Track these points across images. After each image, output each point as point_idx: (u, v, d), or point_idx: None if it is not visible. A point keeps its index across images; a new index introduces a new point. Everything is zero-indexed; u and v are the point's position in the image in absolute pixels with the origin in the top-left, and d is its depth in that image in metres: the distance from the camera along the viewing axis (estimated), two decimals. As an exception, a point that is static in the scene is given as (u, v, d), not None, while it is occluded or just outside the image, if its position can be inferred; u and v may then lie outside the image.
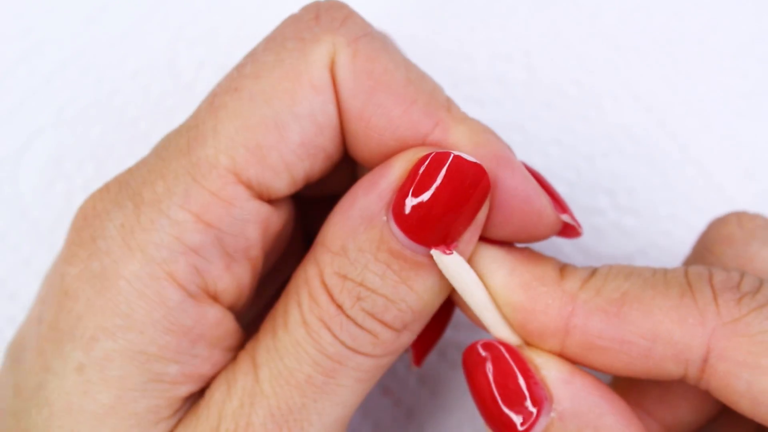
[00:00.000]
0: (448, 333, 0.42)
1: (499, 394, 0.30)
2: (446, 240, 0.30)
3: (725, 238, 0.33)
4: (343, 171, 0.35)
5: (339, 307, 0.30)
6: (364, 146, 0.31)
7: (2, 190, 0.43)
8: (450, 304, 0.34)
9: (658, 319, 0.29)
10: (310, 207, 0.38)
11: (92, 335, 0.30)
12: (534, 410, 0.29)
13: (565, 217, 0.32)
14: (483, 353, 0.30)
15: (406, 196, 0.29)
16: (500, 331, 0.31)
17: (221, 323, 0.31)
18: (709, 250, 0.33)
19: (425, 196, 0.29)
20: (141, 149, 0.43)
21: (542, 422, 0.29)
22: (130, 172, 0.31)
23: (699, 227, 0.41)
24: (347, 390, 0.30)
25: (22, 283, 0.42)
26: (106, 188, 0.31)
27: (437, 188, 0.29)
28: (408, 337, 0.31)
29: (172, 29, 0.44)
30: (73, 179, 0.42)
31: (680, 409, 0.33)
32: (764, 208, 0.41)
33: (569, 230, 0.32)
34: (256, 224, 0.31)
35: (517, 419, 0.29)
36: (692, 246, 0.35)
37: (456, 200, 0.29)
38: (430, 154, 0.29)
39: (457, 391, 0.41)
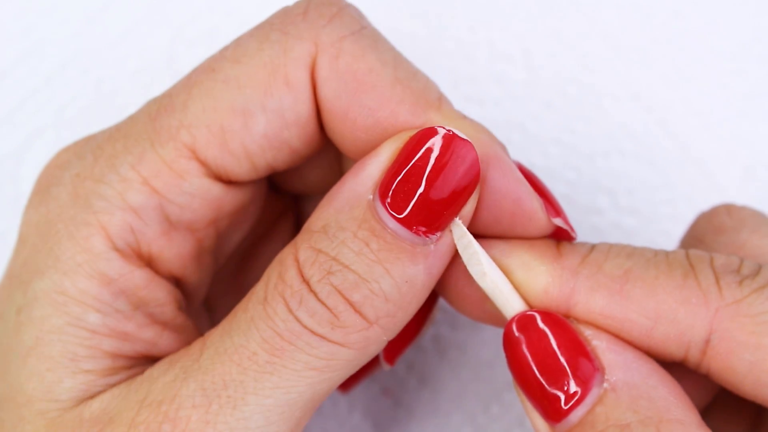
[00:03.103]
0: (448, 332, 0.42)
1: (564, 358, 0.29)
2: (432, 225, 0.29)
3: (716, 227, 0.33)
4: (335, 167, 0.35)
5: (305, 281, 0.29)
6: (350, 143, 0.31)
7: (2, 190, 0.43)
8: (428, 303, 0.34)
9: (661, 298, 0.29)
10: (302, 203, 0.38)
11: (29, 278, 0.30)
12: (578, 389, 0.29)
13: (557, 221, 0.31)
14: (542, 325, 0.29)
15: (395, 174, 0.29)
16: (517, 305, 0.30)
17: (148, 287, 0.31)
18: (700, 240, 0.33)
19: (416, 174, 0.28)
20: (141, 149, 0.43)
21: (594, 393, 0.29)
22: (101, 131, 0.32)
23: (699, 227, 0.41)
24: (294, 374, 0.29)
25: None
26: (75, 143, 0.32)
27: (430, 167, 0.28)
28: (377, 334, 0.29)
29: (172, 29, 0.44)
30: (73, 179, 0.43)
31: (687, 391, 0.33)
32: (764, 208, 0.41)
33: (562, 234, 0.31)
34: (204, 200, 0.31)
35: (570, 389, 0.29)
36: (680, 239, 0.35)
37: (447, 179, 0.29)
38: (423, 131, 0.29)
39: (456, 391, 0.41)
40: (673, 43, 0.43)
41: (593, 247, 0.30)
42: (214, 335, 0.30)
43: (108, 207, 0.30)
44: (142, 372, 0.30)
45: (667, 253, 0.30)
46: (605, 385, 0.29)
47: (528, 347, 0.29)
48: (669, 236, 0.42)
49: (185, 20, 0.44)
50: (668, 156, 0.42)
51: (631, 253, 0.30)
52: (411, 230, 0.29)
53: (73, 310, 0.30)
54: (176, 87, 0.31)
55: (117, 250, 0.30)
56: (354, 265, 0.29)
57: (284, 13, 0.32)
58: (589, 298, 0.29)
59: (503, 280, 0.30)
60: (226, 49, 0.32)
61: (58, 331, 0.30)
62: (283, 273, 0.29)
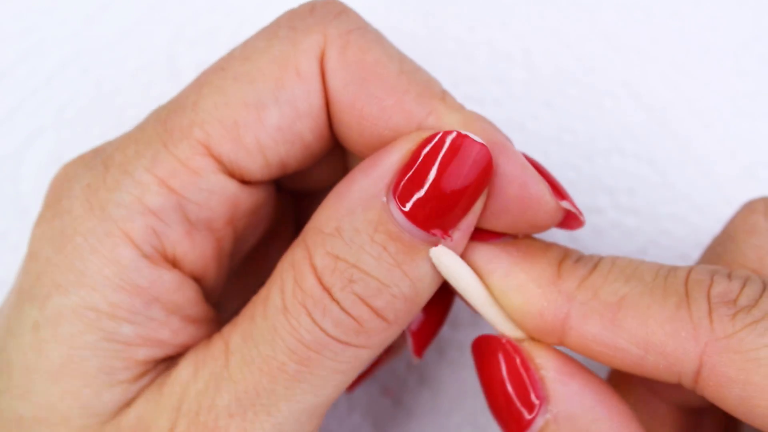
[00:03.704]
0: (448, 332, 0.42)
1: (511, 387, 0.30)
2: (445, 225, 0.29)
3: (750, 227, 0.33)
4: (337, 165, 0.35)
5: (327, 290, 0.29)
6: (357, 136, 0.31)
7: (2, 190, 0.43)
8: (450, 293, 0.34)
9: (651, 329, 0.29)
10: (302, 201, 0.38)
11: (47, 293, 0.30)
12: (525, 417, 0.29)
13: (565, 204, 0.31)
14: (494, 345, 0.30)
15: (410, 175, 0.29)
16: (502, 325, 0.31)
17: (179, 289, 0.31)
18: (731, 238, 0.33)
19: (429, 176, 0.29)
20: (141, 149, 0.43)
21: (539, 422, 0.29)
22: (108, 141, 0.32)
23: (699, 226, 0.41)
24: (322, 380, 0.30)
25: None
26: (82, 155, 0.32)
27: (441, 166, 0.29)
28: (395, 331, 0.30)
29: (172, 29, 0.44)
30: (73, 179, 0.43)
31: (688, 390, 0.33)
32: (764, 208, 0.41)
33: (571, 219, 0.31)
34: (221, 197, 0.31)
35: (525, 413, 0.29)
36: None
37: (460, 180, 0.29)
38: (436, 133, 0.29)
39: (456, 391, 0.41)
40: (673, 42, 0.43)
41: (595, 266, 0.30)
42: (236, 339, 0.30)
43: (128, 214, 0.30)
44: (165, 369, 0.31)
45: (666, 276, 0.30)
46: (547, 415, 0.29)
47: (481, 372, 0.30)
48: (669, 236, 0.41)
49: (185, 20, 0.44)
50: (668, 155, 0.42)
51: (630, 276, 0.30)
52: (427, 231, 0.29)
53: (107, 325, 0.30)
54: (185, 90, 0.31)
55: (145, 256, 0.30)
56: (374, 272, 0.29)
57: (291, 13, 0.32)
58: (582, 325, 0.29)
59: (485, 298, 0.31)
60: (233, 50, 0.32)
61: (93, 347, 0.30)
62: (300, 280, 0.29)
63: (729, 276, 0.29)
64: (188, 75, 0.44)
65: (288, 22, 0.31)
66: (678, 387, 0.32)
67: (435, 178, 0.29)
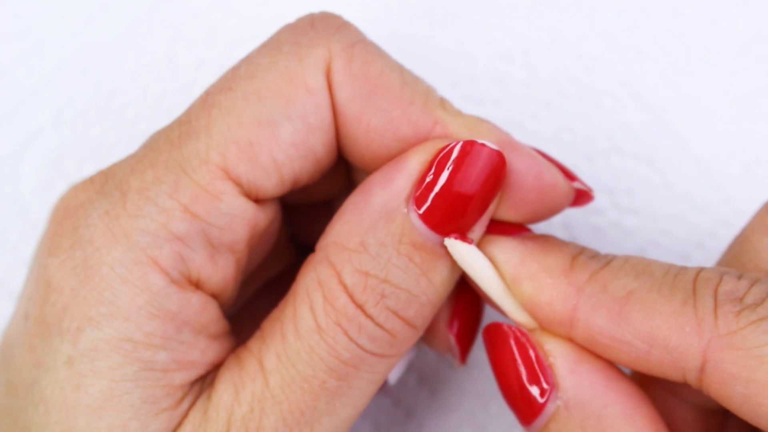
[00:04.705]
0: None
1: (524, 371, 0.30)
2: (464, 227, 0.30)
3: (765, 227, 0.32)
4: (335, 178, 0.36)
5: (360, 307, 0.30)
6: (364, 148, 0.31)
7: (2, 190, 0.43)
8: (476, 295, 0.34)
9: (656, 324, 0.29)
10: (293, 213, 0.38)
11: (78, 326, 0.30)
12: (548, 388, 0.30)
13: (576, 184, 0.33)
14: (507, 332, 0.31)
15: (431, 186, 0.30)
16: (517, 315, 0.31)
17: (205, 310, 0.31)
18: (747, 238, 0.33)
19: (448, 184, 0.30)
20: (140, 149, 0.43)
21: (550, 407, 0.30)
22: (116, 164, 0.31)
23: (699, 226, 0.41)
24: (359, 392, 0.31)
25: (22, 283, 0.42)
26: (90, 180, 0.32)
27: (459, 174, 0.30)
28: (419, 334, 0.31)
29: (172, 29, 0.44)
30: (73, 179, 0.42)
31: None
32: (764, 207, 0.41)
33: (582, 197, 0.33)
34: (242, 220, 0.31)
35: (537, 397, 0.30)
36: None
37: (477, 184, 0.30)
38: (454, 143, 0.30)
39: (456, 390, 0.41)
40: (673, 42, 0.43)
41: (608, 262, 0.31)
42: (270, 359, 0.30)
43: (155, 241, 0.30)
44: (199, 390, 0.31)
45: (676, 274, 0.30)
46: (558, 402, 0.30)
47: (494, 358, 0.31)
48: (669, 235, 0.41)
49: (185, 20, 0.44)
50: (668, 155, 0.42)
51: (641, 271, 0.30)
52: (447, 236, 0.30)
53: (144, 355, 0.30)
54: (193, 111, 0.31)
55: (173, 282, 0.30)
56: (404, 284, 0.30)
57: (290, 28, 0.32)
58: (590, 317, 0.30)
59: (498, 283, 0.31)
60: (237, 68, 0.32)
61: (133, 379, 0.30)
62: (331, 299, 0.30)
63: (738, 277, 0.30)
64: (187, 75, 0.44)
65: (290, 37, 0.32)
66: (696, 389, 0.33)
67: (454, 185, 0.30)
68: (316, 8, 0.44)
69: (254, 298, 0.37)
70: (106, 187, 0.31)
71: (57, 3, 0.44)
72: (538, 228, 0.35)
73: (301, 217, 0.37)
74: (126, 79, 0.44)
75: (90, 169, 0.43)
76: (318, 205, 0.37)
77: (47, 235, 0.31)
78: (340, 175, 0.36)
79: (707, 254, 0.41)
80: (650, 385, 0.34)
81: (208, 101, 0.31)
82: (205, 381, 0.31)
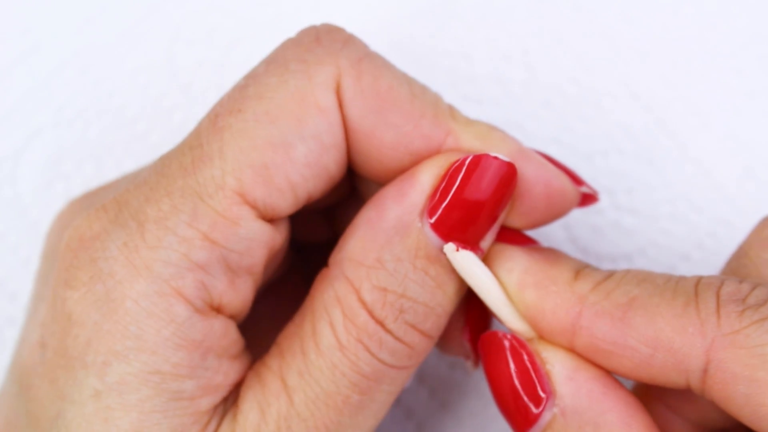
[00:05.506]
0: (448, 333, 0.42)
1: (518, 381, 0.30)
2: (475, 238, 0.31)
3: (763, 241, 0.33)
4: (338, 190, 0.36)
5: (380, 323, 0.30)
6: (376, 162, 0.32)
7: (2, 190, 0.43)
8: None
9: (659, 326, 0.29)
10: (291, 215, 0.38)
11: (104, 360, 0.29)
12: (532, 412, 0.30)
13: (584, 189, 0.33)
14: (503, 341, 0.31)
15: (445, 200, 0.30)
16: (514, 323, 0.31)
17: (226, 333, 0.31)
18: (745, 252, 0.33)
19: (461, 196, 0.30)
20: (139, 149, 0.43)
21: (546, 416, 0.30)
22: (128, 191, 0.31)
23: (698, 226, 0.41)
24: (380, 403, 0.31)
25: (22, 283, 0.42)
26: (103, 208, 0.31)
27: (471, 187, 0.30)
28: (433, 342, 0.32)
29: (171, 29, 0.44)
30: (72, 179, 0.43)
31: (706, 406, 0.33)
32: (764, 208, 0.41)
33: (587, 199, 0.33)
34: (260, 243, 0.31)
35: (532, 407, 0.30)
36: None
37: (489, 196, 0.30)
38: (466, 157, 0.30)
39: (457, 391, 0.41)
40: (673, 42, 0.43)
41: (611, 274, 0.31)
42: (293, 376, 0.31)
43: (177, 271, 0.30)
44: (223, 412, 0.31)
45: (678, 280, 0.30)
46: (555, 410, 0.30)
47: (489, 367, 0.31)
48: (668, 235, 0.41)
49: (184, 20, 0.44)
50: (667, 155, 0.42)
51: (642, 279, 0.30)
52: (446, 244, 0.30)
53: (172, 386, 0.30)
54: (202, 134, 0.31)
55: (197, 311, 0.30)
56: (421, 298, 0.30)
57: (295, 44, 0.32)
58: (593, 325, 0.30)
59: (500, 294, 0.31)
60: (244, 88, 0.31)
61: (162, 410, 0.30)
62: (351, 316, 0.30)
63: (740, 281, 0.30)
64: (187, 75, 0.44)
65: (296, 54, 0.31)
66: (696, 403, 0.33)
67: (466, 198, 0.30)
68: (314, 8, 0.44)
69: (253, 301, 0.37)
70: (121, 216, 0.30)
71: (56, 3, 0.44)
72: (539, 228, 0.35)
73: (299, 218, 0.37)
74: (125, 79, 0.44)
75: (89, 169, 0.43)
76: (312, 211, 0.37)
77: (62, 265, 0.31)
78: (342, 183, 0.36)
79: (707, 254, 0.41)
80: (648, 401, 0.34)
81: (218, 124, 0.31)
82: (228, 401, 0.31)
